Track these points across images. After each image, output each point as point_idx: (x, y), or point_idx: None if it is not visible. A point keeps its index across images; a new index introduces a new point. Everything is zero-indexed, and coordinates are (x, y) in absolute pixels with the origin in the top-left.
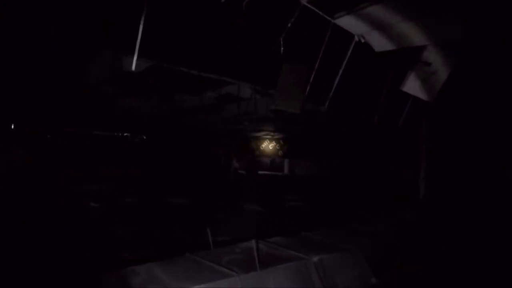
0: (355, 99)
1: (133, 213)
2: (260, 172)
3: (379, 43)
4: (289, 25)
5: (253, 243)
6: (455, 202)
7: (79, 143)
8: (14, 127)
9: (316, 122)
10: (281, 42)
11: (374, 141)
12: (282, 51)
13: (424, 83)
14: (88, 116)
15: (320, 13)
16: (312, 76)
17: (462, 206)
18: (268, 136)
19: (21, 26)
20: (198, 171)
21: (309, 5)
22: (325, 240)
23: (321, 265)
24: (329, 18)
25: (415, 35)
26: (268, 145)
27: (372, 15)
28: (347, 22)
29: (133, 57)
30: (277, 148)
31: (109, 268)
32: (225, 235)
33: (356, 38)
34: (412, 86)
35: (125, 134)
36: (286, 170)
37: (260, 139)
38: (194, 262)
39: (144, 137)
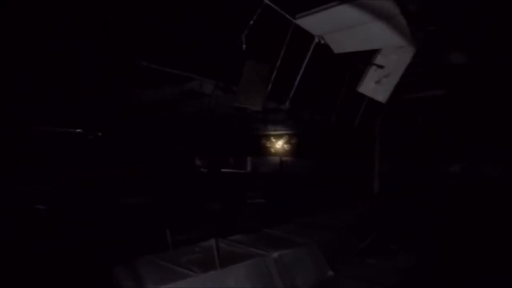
0: (314, 99)
1: (85, 215)
2: (222, 170)
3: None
4: (251, 22)
5: (213, 242)
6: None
7: (26, 140)
8: None
9: (278, 121)
10: (243, 39)
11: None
12: (244, 48)
13: (378, 85)
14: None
15: (282, 12)
16: (274, 74)
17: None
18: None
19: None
20: (158, 169)
21: (271, 3)
22: (286, 236)
23: (280, 261)
24: (290, 18)
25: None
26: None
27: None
28: (309, 22)
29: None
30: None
31: (66, 273)
32: (185, 234)
33: (316, 39)
34: (368, 87)
35: (77, 130)
36: (248, 168)
37: (224, 137)
38: (153, 264)
39: (100, 134)
